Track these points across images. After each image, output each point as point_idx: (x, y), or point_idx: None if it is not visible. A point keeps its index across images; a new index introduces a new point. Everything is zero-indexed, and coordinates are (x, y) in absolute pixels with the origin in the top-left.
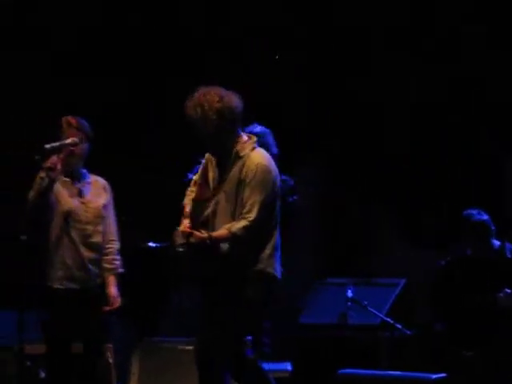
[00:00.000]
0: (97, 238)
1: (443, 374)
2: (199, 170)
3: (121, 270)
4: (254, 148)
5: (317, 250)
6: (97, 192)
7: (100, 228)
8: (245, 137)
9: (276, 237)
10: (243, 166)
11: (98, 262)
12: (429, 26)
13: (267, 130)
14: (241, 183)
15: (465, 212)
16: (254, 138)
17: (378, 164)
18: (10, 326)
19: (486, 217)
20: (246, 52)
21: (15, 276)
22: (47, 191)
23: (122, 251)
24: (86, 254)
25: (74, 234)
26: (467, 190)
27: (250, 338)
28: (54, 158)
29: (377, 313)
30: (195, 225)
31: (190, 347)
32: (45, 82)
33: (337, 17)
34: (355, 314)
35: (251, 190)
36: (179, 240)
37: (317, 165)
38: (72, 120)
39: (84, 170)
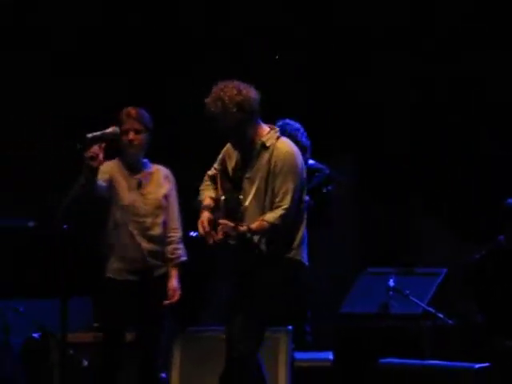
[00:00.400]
0: (156, 230)
1: (486, 364)
2: (216, 164)
3: (183, 259)
4: (278, 137)
5: (358, 240)
6: (158, 182)
7: (159, 220)
8: (266, 127)
9: (304, 226)
10: (271, 156)
11: (157, 254)
12: (429, 26)
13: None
14: (270, 173)
15: (507, 200)
16: (277, 128)
17: (414, 155)
18: (54, 314)
19: None
20: (246, 52)
21: (59, 264)
22: (89, 181)
23: None
24: (145, 246)
25: (132, 227)
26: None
27: (290, 327)
28: (95, 148)
29: (419, 302)
30: (222, 217)
31: None
32: (45, 82)
33: (337, 17)
34: (397, 304)
35: (283, 179)
36: (219, 233)
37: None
38: (132, 111)
39: (145, 160)
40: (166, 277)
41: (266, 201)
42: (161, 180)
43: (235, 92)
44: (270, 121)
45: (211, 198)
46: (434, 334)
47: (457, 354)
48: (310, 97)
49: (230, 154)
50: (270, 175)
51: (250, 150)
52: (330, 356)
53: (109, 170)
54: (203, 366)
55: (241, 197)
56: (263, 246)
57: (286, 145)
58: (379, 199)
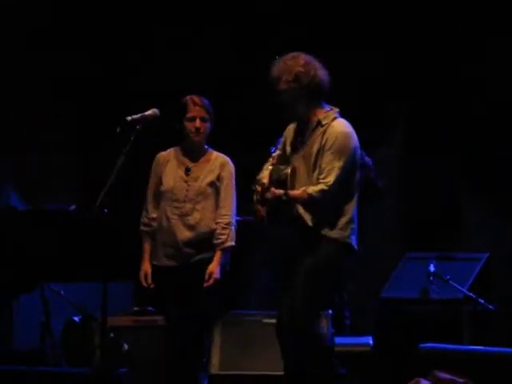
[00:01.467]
0: (195, 217)
1: None
2: (280, 145)
3: (229, 244)
4: (335, 118)
5: (398, 225)
6: (209, 169)
7: (199, 206)
8: (327, 108)
9: (354, 208)
10: (324, 133)
11: (193, 241)
12: None
13: None
14: (320, 150)
15: None
16: (336, 109)
17: (460, 138)
18: (94, 297)
19: None
20: None
21: (99, 248)
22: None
23: None
24: (182, 232)
25: (171, 213)
26: None
27: (330, 311)
28: None
29: (459, 287)
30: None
31: (273, 320)
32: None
33: None
34: (437, 289)
35: (330, 156)
36: (255, 196)
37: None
38: (197, 98)
39: (205, 147)
40: (204, 262)
41: (314, 176)
42: (213, 167)
43: (301, 63)
44: None
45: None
46: (474, 319)
47: (498, 340)
48: None
49: (289, 133)
50: (320, 152)
51: (306, 128)
52: (370, 341)
53: (163, 161)
54: (243, 350)
55: (283, 167)
56: (308, 221)
57: (341, 124)
58: (420, 184)
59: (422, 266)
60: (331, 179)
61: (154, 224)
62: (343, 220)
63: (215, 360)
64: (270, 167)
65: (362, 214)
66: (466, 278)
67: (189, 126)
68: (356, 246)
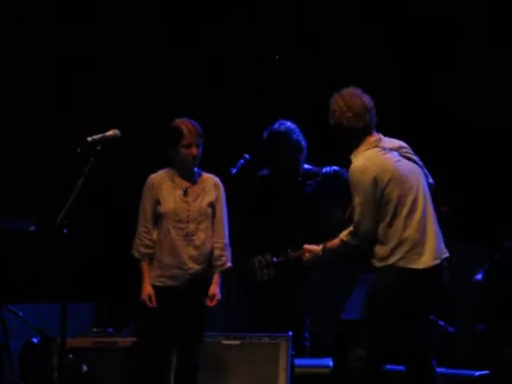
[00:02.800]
0: (199, 237)
1: (486, 371)
2: None
3: (229, 265)
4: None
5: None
6: (204, 190)
7: (202, 226)
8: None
9: (400, 229)
10: None
11: (200, 260)
12: None
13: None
14: None
15: None
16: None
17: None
18: (53, 318)
19: None
20: None
21: (58, 269)
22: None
23: None
24: (187, 252)
25: (175, 234)
26: None
27: (291, 333)
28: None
29: None
30: None
31: (235, 342)
32: None
33: None
34: None
35: (352, 195)
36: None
37: None
38: (190, 125)
39: (196, 169)
40: (204, 281)
41: None
42: (207, 188)
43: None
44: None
45: None
46: (434, 341)
47: (457, 362)
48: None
49: None
50: None
51: None
52: (330, 362)
53: (158, 183)
54: (204, 372)
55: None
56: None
57: (358, 159)
58: None
59: None
60: (356, 218)
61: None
62: (390, 246)
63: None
64: None
65: None
66: None
67: (185, 153)
68: (415, 266)
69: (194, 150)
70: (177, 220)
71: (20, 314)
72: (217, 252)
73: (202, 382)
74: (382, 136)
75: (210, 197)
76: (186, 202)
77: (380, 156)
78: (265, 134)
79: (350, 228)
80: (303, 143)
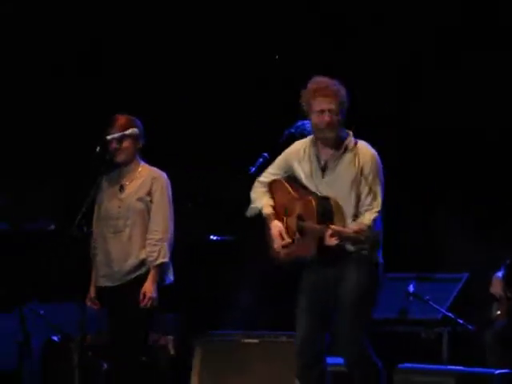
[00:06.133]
0: (127, 233)
1: (507, 370)
2: (274, 170)
3: (161, 261)
4: (356, 141)
5: None
6: (141, 185)
7: (130, 222)
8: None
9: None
10: (355, 158)
11: (131, 257)
12: None
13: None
14: (356, 176)
15: None
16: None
17: (440, 158)
18: (73, 317)
19: None
20: None
21: (79, 268)
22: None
23: (180, 243)
24: (116, 249)
25: (106, 231)
26: None
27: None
28: None
29: (438, 308)
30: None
31: (254, 340)
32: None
33: None
34: (417, 309)
35: (372, 181)
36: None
37: None
38: (122, 118)
39: (141, 163)
40: (141, 280)
41: (352, 203)
42: (145, 182)
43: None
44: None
45: (271, 205)
46: (453, 339)
47: (477, 360)
48: None
49: (298, 158)
50: (358, 178)
51: (326, 153)
52: None
53: (105, 184)
54: (223, 370)
55: (331, 201)
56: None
57: (368, 148)
58: (400, 204)
59: (401, 287)
60: (378, 204)
61: None
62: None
63: (194, 381)
64: (271, 199)
65: None
66: (446, 299)
67: (112, 146)
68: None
69: (115, 144)
70: (108, 217)
71: (41, 312)
72: (148, 248)
73: (221, 379)
74: None
75: (143, 191)
76: (120, 199)
77: None
78: (285, 134)
79: (374, 213)
80: None
